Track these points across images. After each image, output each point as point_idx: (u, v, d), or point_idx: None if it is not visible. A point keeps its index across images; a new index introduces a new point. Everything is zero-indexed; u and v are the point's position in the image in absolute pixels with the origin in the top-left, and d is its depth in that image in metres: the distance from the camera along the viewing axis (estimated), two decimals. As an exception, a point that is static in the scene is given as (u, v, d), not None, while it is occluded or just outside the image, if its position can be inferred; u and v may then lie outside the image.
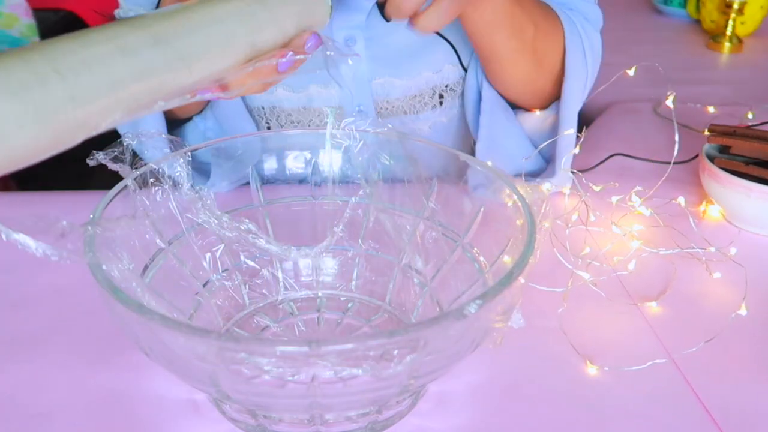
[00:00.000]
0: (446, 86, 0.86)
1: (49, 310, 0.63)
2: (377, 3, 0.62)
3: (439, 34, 0.82)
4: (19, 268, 0.68)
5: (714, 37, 1.42)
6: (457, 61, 0.85)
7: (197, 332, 0.39)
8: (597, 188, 0.77)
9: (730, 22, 1.39)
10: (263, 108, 0.86)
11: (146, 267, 0.54)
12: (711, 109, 1.07)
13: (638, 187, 0.76)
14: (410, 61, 0.83)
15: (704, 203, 0.79)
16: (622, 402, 0.54)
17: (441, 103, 0.87)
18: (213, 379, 0.42)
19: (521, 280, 0.44)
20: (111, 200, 0.51)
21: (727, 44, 1.40)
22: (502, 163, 0.75)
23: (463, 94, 0.87)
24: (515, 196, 0.52)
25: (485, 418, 0.52)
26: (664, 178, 0.76)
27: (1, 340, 0.59)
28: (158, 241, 0.55)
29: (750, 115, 1.03)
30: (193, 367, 0.42)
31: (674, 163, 0.87)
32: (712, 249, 0.68)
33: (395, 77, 0.84)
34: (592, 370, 0.56)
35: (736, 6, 1.38)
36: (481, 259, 0.56)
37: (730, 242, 0.70)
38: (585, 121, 1.05)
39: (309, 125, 0.86)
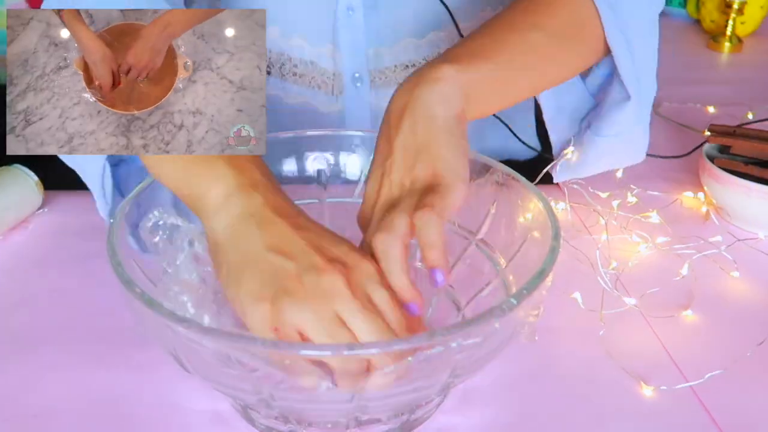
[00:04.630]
0: (438, 55, 0.85)
1: (49, 310, 0.63)
2: None
3: None
4: (19, 268, 0.68)
5: (714, 37, 1.42)
6: (451, 26, 0.81)
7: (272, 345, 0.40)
8: (604, 195, 0.78)
9: (730, 22, 1.39)
10: (270, 51, 0.86)
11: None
12: (711, 109, 1.07)
13: (636, 188, 0.77)
14: (394, 27, 0.83)
15: (704, 203, 0.79)
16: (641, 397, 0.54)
17: None
18: (257, 388, 0.42)
19: (550, 276, 0.45)
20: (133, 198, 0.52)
21: (727, 44, 1.40)
22: (570, 117, 0.73)
23: None
24: (536, 195, 0.52)
25: (509, 413, 0.52)
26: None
27: (1, 340, 0.59)
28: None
29: (750, 115, 1.03)
30: (237, 376, 0.42)
31: (670, 157, 0.88)
32: (722, 247, 0.68)
33: (382, 46, 0.84)
34: (647, 391, 0.55)
35: (736, 6, 1.38)
36: (497, 256, 0.56)
37: (732, 239, 0.70)
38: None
39: (310, 82, 0.86)
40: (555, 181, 0.74)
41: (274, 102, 0.88)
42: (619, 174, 0.79)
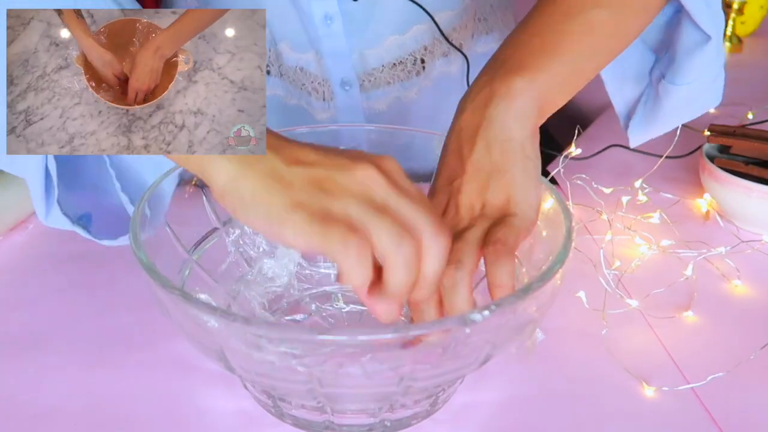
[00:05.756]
0: (425, 48, 0.85)
1: (49, 310, 0.63)
2: None
3: None
4: (19, 268, 0.68)
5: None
6: (428, 20, 0.81)
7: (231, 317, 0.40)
8: (608, 190, 0.78)
9: (730, 22, 1.39)
10: (270, 50, 0.86)
11: (198, 243, 0.56)
12: (711, 109, 1.07)
13: (647, 188, 0.77)
14: (376, 28, 0.83)
15: (708, 204, 0.79)
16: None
17: (424, 68, 0.86)
18: (219, 354, 0.43)
19: (556, 282, 0.45)
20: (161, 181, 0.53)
21: (727, 44, 1.40)
22: (635, 79, 0.67)
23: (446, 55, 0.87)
24: (548, 189, 0.52)
25: (510, 413, 0.52)
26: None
27: (1, 340, 0.59)
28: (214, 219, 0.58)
29: (750, 115, 1.03)
30: (201, 337, 0.43)
31: (671, 157, 0.88)
32: (726, 250, 0.68)
33: (366, 47, 0.84)
34: (648, 391, 0.56)
35: (736, 6, 1.38)
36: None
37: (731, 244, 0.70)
38: (584, 121, 1.05)
39: (302, 87, 0.86)
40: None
41: (274, 102, 0.88)
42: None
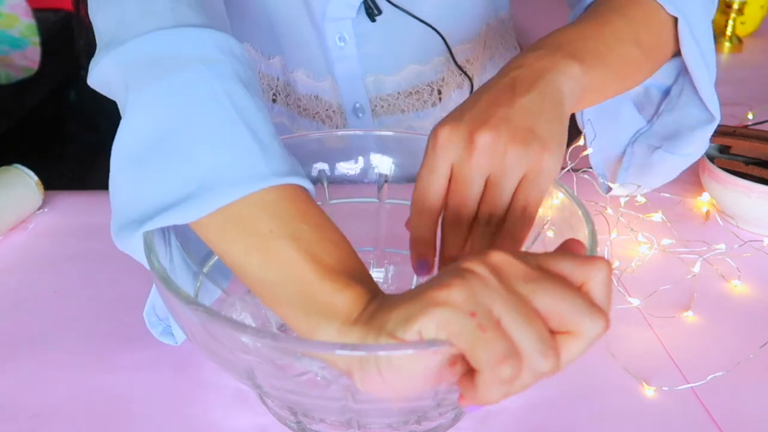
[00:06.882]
0: (442, 80, 0.85)
1: (49, 310, 0.63)
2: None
3: (426, 23, 0.79)
4: (19, 268, 0.68)
5: (714, 37, 1.42)
6: (448, 52, 0.82)
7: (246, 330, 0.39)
8: (613, 186, 0.77)
9: (730, 22, 1.39)
10: (278, 79, 0.85)
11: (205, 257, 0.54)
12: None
13: (645, 190, 0.76)
14: (395, 55, 0.83)
15: (707, 204, 0.79)
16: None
17: (440, 99, 0.86)
18: (249, 373, 0.42)
19: None
20: None
21: (727, 44, 1.40)
22: (613, 134, 0.71)
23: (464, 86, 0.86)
24: (567, 196, 0.52)
25: (510, 413, 0.52)
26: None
27: (1, 340, 0.59)
28: None
29: (750, 115, 1.03)
30: (233, 357, 0.42)
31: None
32: (720, 246, 0.68)
33: (384, 73, 0.83)
34: (649, 391, 0.55)
35: (736, 6, 1.38)
36: None
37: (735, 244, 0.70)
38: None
39: (314, 117, 0.85)
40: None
41: (280, 129, 0.87)
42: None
